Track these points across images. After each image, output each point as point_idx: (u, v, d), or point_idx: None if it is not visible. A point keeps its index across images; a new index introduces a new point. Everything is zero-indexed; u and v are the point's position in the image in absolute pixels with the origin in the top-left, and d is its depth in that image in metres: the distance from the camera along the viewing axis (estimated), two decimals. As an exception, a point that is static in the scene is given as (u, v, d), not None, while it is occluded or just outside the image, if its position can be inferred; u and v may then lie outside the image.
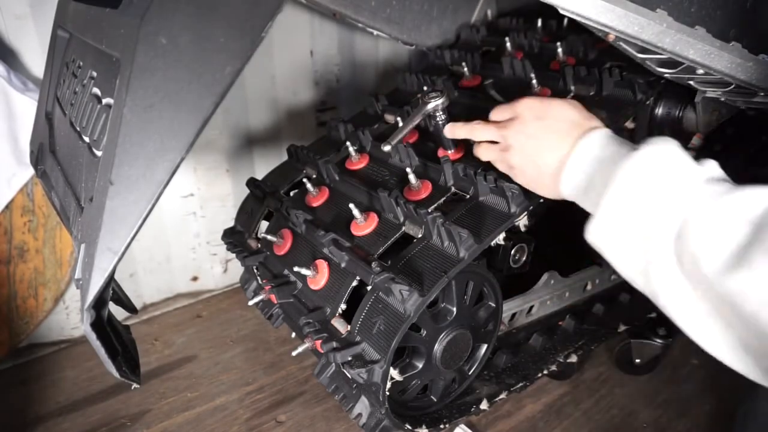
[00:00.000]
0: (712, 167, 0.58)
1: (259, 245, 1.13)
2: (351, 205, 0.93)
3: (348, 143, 1.12)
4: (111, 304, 0.74)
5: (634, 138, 0.95)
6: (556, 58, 1.17)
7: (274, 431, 1.21)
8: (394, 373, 0.89)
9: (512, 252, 0.97)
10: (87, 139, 0.77)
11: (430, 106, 0.92)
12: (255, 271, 1.13)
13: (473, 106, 1.13)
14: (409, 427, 0.94)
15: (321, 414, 1.25)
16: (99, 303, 0.68)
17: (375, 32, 1.34)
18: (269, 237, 1.04)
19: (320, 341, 0.86)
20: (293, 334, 1.11)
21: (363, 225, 0.95)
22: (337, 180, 1.09)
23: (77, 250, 0.71)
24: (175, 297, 1.67)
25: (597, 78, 1.03)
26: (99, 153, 0.70)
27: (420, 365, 0.91)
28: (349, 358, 0.84)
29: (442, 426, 0.98)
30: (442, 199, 0.95)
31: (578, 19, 0.71)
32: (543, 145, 0.73)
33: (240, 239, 1.21)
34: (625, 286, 1.34)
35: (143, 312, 1.61)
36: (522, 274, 1.03)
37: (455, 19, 1.49)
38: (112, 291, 0.69)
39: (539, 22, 1.36)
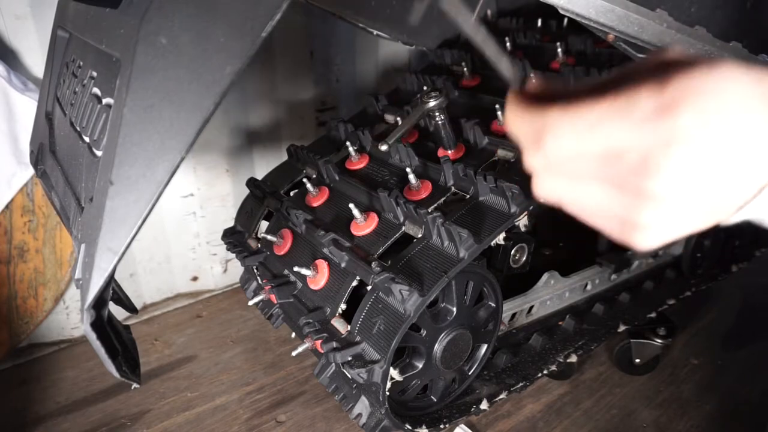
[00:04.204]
0: None
1: (259, 245, 1.13)
2: (351, 205, 0.93)
3: (348, 143, 1.12)
4: (111, 304, 0.74)
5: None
6: (556, 58, 1.17)
7: (274, 431, 1.21)
8: (394, 373, 0.89)
9: (512, 252, 0.97)
10: (87, 139, 0.76)
11: (430, 105, 0.92)
12: (255, 271, 1.13)
13: (473, 106, 1.14)
14: (409, 427, 0.94)
15: (321, 414, 1.25)
16: (99, 303, 0.68)
17: (375, 32, 1.34)
18: (269, 237, 1.04)
19: (320, 341, 0.86)
20: (293, 334, 1.11)
21: (363, 225, 0.95)
22: (337, 180, 1.09)
23: (77, 250, 0.71)
24: (175, 297, 1.67)
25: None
26: (99, 153, 0.70)
27: (420, 365, 0.92)
28: (349, 358, 0.84)
29: (442, 426, 0.98)
30: (442, 199, 0.95)
31: (578, 19, 0.71)
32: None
33: (240, 239, 1.21)
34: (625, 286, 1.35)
35: (143, 312, 1.60)
36: (522, 274, 1.03)
37: (455, 19, 1.49)
38: (112, 291, 0.69)
39: (539, 22, 1.36)
